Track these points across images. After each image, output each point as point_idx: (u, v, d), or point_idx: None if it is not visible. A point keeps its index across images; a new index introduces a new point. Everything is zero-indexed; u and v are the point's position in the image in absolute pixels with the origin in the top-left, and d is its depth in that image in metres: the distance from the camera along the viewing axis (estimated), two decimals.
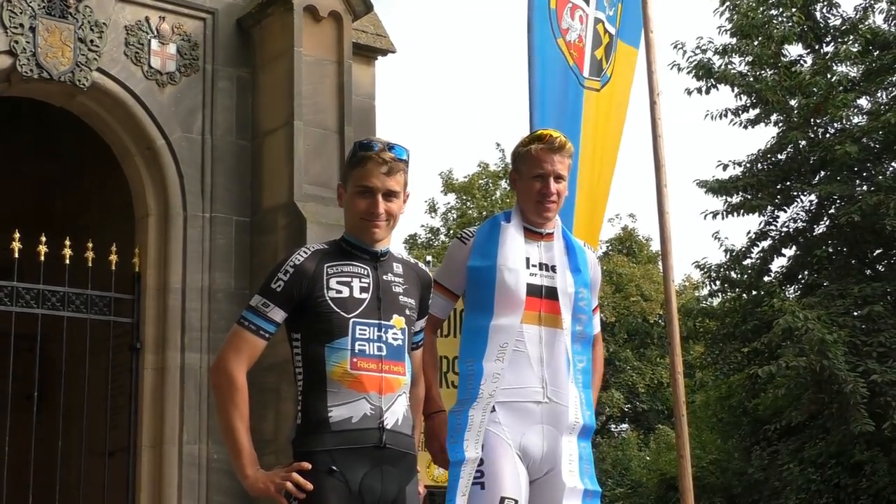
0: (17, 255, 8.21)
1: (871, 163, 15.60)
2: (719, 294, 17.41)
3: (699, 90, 16.16)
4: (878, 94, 15.93)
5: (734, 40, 16.27)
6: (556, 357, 3.78)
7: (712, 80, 16.01)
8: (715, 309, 17.73)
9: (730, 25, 16.30)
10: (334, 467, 3.24)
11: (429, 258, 17.94)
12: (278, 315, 3.37)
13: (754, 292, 16.31)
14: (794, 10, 16.07)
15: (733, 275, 16.60)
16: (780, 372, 14.34)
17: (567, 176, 3.91)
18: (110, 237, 8.81)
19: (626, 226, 29.08)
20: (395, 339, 3.39)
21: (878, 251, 15.78)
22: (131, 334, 8.72)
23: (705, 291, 19.24)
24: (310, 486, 3.22)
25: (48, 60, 8.34)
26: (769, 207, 16.21)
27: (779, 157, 16.24)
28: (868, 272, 15.43)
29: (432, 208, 29.14)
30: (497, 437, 3.69)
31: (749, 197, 16.00)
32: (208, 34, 9.05)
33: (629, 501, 21.00)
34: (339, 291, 3.36)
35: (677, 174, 36.05)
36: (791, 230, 16.32)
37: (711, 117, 16.41)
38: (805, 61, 16.57)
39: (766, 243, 16.45)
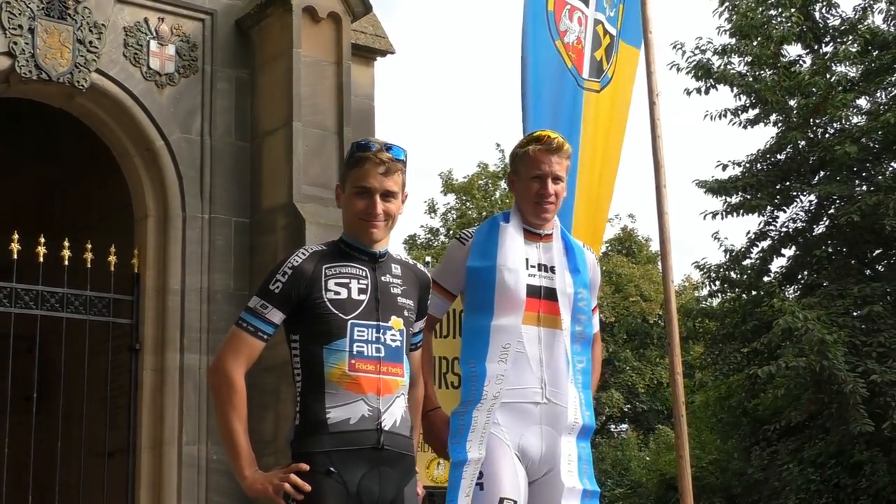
0: (16, 256, 8.21)
1: (870, 163, 15.61)
2: (719, 294, 17.42)
3: (698, 90, 16.18)
4: (878, 94, 15.94)
5: (733, 40, 16.28)
6: (555, 358, 3.77)
7: (711, 80, 16.02)
8: (714, 309, 17.74)
9: (729, 26, 16.31)
10: (332, 468, 3.24)
11: (428, 259, 17.94)
12: (276, 316, 3.37)
13: (754, 292, 16.32)
14: (793, 10, 16.07)
15: (733, 275, 16.61)
16: (779, 372, 14.34)
17: (565, 177, 3.91)
18: (109, 238, 8.81)
19: (625, 226, 29.10)
20: (394, 341, 3.39)
21: (877, 251, 15.79)
22: (130, 335, 8.72)
23: (705, 292, 19.26)
24: (308, 487, 3.22)
25: (47, 62, 8.34)
26: (769, 207, 16.22)
27: (778, 157, 16.25)
28: (868, 272, 15.44)
29: (432, 209, 29.15)
30: (496, 438, 3.69)
31: (748, 197, 16.01)
32: (207, 35, 9.05)
33: (629, 502, 21.00)
34: (337, 293, 3.36)
35: (677, 174, 36.08)
36: (790, 230, 16.33)
37: (711, 117, 16.44)
38: (804, 61, 16.59)
39: (765, 243, 16.46)
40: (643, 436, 26.12)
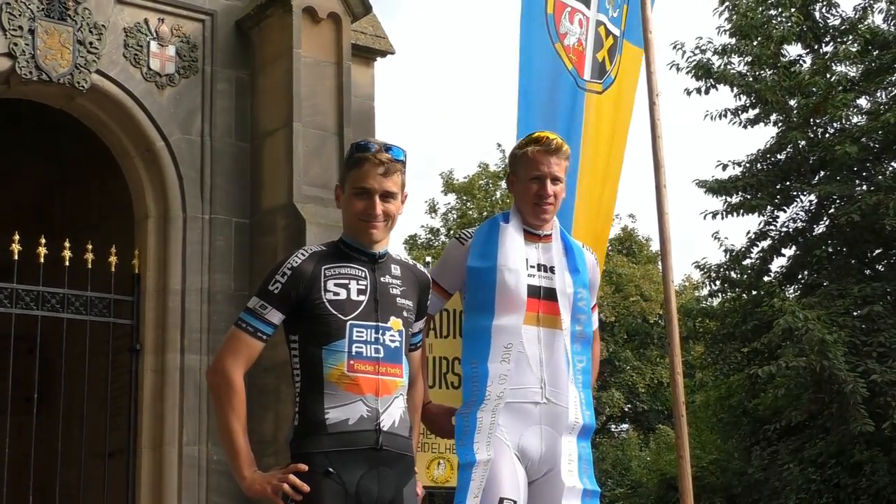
0: (16, 256, 8.22)
1: (870, 162, 15.61)
2: (719, 294, 17.43)
3: (698, 90, 16.18)
4: (878, 94, 15.94)
5: (733, 40, 16.28)
6: (555, 357, 3.78)
7: (711, 80, 16.03)
8: (715, 309, 17.75)
9: (729, 25, 16.31)
10: (331, 469, 3.25)
11: (428, 259, 17.94)
12: (276, 317, 3.38)
13: (754, 292, 16.32)
14: (793, 10, 16.07)
15: (733, 275, 16.62)
16: (779, 372, 14.34)
17: (564, 178, 3.91)
18: (110, 239, 8.81)
19: (625, 226, 29.09)
20: (393, 341, 3.39)
21: (877, 251, 15.79)
22: (131, 336, 8.72)
23: (705, 291, 19.26)
24: (306, 487, 3.22)
25: (47, 62, 8.35)
26: (769, 207, 16.22)
27: (778, 157, 16.25)
28: (868, 272, 15.44)
29: (432, 209, 29.15)
30: (495, 438, 3.69)
31: (748, 197, 16.02)
32: (207, 36, 9.05)
33: (629, 501, 21.00)
34: (336, 293, 3.37)
35: (677, 174, 36.08)
36: (791, 230, 16.33)
37: (711, 117, 16.45)
38: (804, 61, 16.59)
39: (765, 243, 16.46)
40: (644, 436, 26.12)
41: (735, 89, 16.06)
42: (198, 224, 8.77)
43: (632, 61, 6.63)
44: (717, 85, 16.08)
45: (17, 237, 8.25)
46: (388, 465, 3.32)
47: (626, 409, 27.43)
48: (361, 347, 3.34)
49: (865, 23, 16.12)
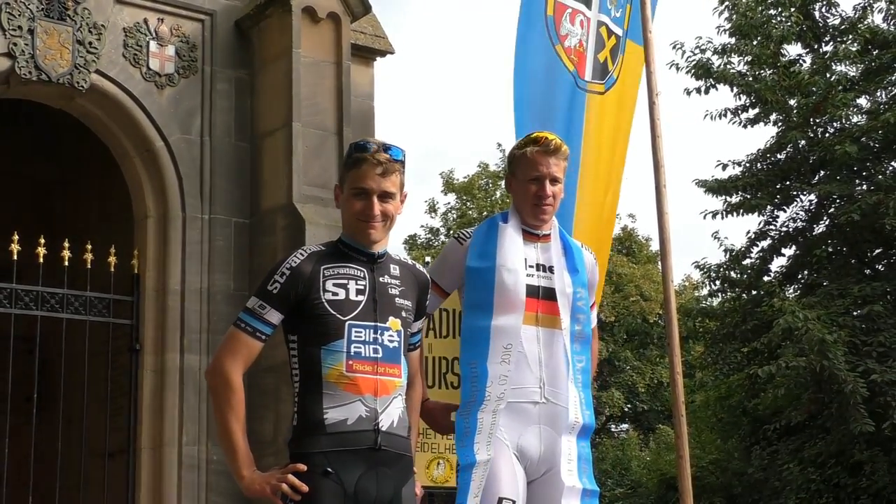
0: (15, 256, 8.21)
1: (870, 162, 15.61)
2: (719, 294, 17.43)
3: (698, 90, 16.18)
4: (878, 94, 15.94)
5: (733, 40, 16.29)
6: (554, 357, 3.78)
7: (711, 79, 16.03)
8: (715, 309, 17.76)
9: (729, 25, 16.31)
10: (330, 469, 3.25)
11: (428, 259, 17.95)
12: (274, 317, 3.37)
13: (754, 292, 16.32)
14: (792, 9, 16.07)
15: (733, 275, 16.62)
16: (779, 372, 14.35)
17: (563, 178, 3.91)
18: (109, 239, 8.81)
19: (625, 226, 29.10)
20: (391, 342, 3.39)
21: (877, 251, 15.79)
22: (130, 336, 8.72)
23: (705, 291, 19.26)
24: (305, 487, 3.22)
25: (47, 62, 8.34)
26: (769, 207, 16.22)
27: (778, 156, 16.25)
28: (868, 272, 15.44)
29: (432, 208, 29.16)
30: (495, 438, 3.69)
31: (748, 196, 16.02)
32: (207, 36, 9.05)
33: (629, 501, 20.99)
34: (335, 294, 3.37)
35: (677, 174, 36.08)
36: (790, 230, 16.33)
37: (711, 117, 16.45)
38: (804, 61, 16.59)
39: (765, 243, 16.46)
40: (643, 435, 26.12)
41: (735, 89, 16.07)
42: (197, 224, 8.77)
43: (635, 60, 6.62)
44: (717, 85, 16.08)
45: (16, 237, 8.25)
46: (387, 465, 3.32)
47: (626, 409, 27.44)
48: (360, 347, 3.34)
49: (865, 22, 16.12)
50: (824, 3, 16.44)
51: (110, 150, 9.11)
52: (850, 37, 16.12)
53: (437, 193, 43.56)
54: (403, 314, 3.45)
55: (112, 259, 8.61)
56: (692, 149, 43.18)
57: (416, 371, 3.65)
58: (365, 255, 3.45)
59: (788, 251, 16.47)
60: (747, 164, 16.31)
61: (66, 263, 8.39)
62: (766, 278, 16.49)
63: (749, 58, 16.10)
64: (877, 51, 15.89)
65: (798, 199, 16.27)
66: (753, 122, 16.43)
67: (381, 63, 10.03)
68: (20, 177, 11.26)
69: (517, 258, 3.81)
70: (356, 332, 3.34)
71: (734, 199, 16.12)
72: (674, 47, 16.13)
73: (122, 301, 8.75)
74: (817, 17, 16.53)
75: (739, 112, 16.33)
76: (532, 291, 3.79)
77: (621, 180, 6.63)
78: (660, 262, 7.08)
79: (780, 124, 16.20)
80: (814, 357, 13.31)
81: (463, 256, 3.86)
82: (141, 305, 8.71)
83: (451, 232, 27.43)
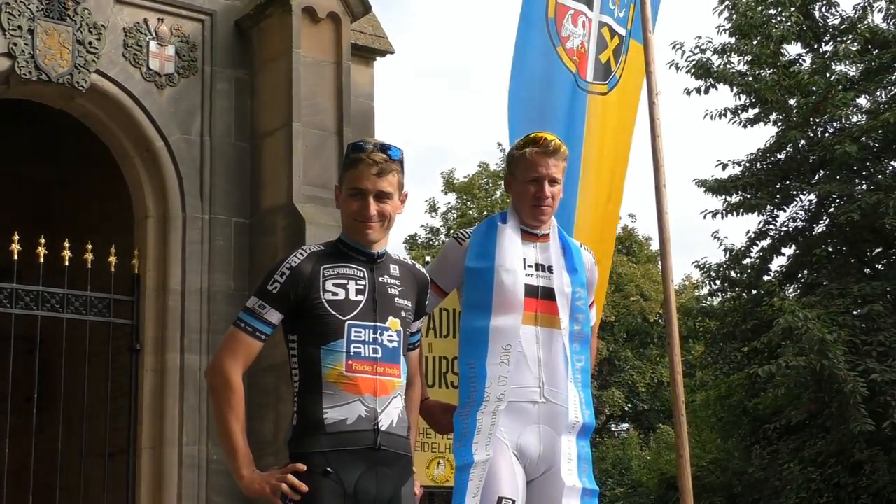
0: (16, 256, 8.22)
1: (870, 162, 15.61)
2: (719, 293, 17.43)
3: (698, 90, 16.18)
4: (878, 93, 15.93)
5: (733, 40, 16.28)
6: (553, 357, 3.78)
7: (711, 79, 16.03)
8: (715, 308, 17.75)
9: (729, 25, 16.31)
10: (329, 469, 3.25)
11: (428, 258, 17.94)
12: (274, 317, 3.38)
13: (754, 292, 16.32)
14: (792, 9, 16.07)
15: (733, 274, 16.62)
16: (779, 371, 14.35)
17: (562, 179, 3.91)
18: (109, 239, 8.82)
19: (625, 225, 29.10)
20: (391, 342, 3.39)
21: (877, 250, 15.79)
22: (131, 336, 8.73)
23: (705, 291, 19.25)
24: (305, 487, 3.22)
25: (47, 62, 8.35)
26: (768, 207, 16.22)
27: (778, 156, 16.25)
28: (867, 271, 15.44)
29: (432, 208, 29.17)
30: (494, 438, 3.69)
31: (748, 196, 16.02)
32: (207, 36, 9.06)
33: (629, 501, 20.99)
34: (334, 293, 3.37)
35: (677, 174, 36.07)
36: (790, 229, 16.33)
37: (711, 116, 16.44)
38: (804, 60, 16.58)
39: (765, 243, 16.46)
40: (644, 435, 26.13)
41: (735, 89, 16.07)
42: (197, 224, 8.77)
43: (638, 60, 6.61)
44: (717, 84, 16.08)
45: (16, 237, 8.26)
46: (387, 465, 3.32)
47: (627, 409, 27.44)
48: (359, 347, 3.34)
49: (865, 22, 16.12)
50: (824, 2, 16.43)
51: (110, 150, 9.11)
52: (850, 36, 16.12)
53: (437, 193, 43.56)
54: (403, 314, 3.45)
55: (112, 259, 8.62)
56: (692, 149, 43.19)
57: (416, 371, 3.66)
58: (364, 255, 3.45)
59: (788, 251, 16.49)
60: (747, 164, 16.31)
61: (67, 263, 8.40)
62: (766, 278, 16.50)
63: (749, 57, 16.09)
64: (877, 50, 15.89)
65: (798, 199, 16.28)
66: (753, 121, 16.43)
67: (381, 63, 10.04)
68: (20, 177, 11.26)
69: (516, 258, 3.81)
70: (356, 332, 3.35)
71: (734, 198, 16.12)
72: (673, 47, 16.15)
73: (122, 301, 8.75)
74: (817, 17, 16.53)
75: (739, 112, 16.33)
76: (531, 291, 3.79)
77: (624, 180, 6.62)
78: (660, 262, 7.08)
79: (779, 124, 16.20)
80: (814, 356, 13.31)
81: (462, 256, 3.86)
82: (141, 305, 8.71)
83: (452, 231, 27.44)
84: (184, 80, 8.91)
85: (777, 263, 16.63)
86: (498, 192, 27.87)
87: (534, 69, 6.04)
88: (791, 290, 16.41)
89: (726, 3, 16.38)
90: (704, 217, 16.26)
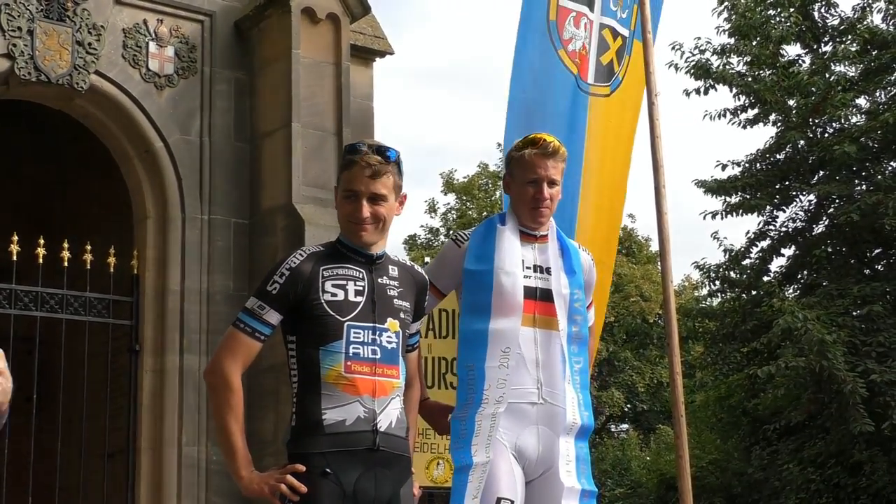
0: (15, 257, 8.22)
1: (869, 162, 15.61)
2: (718, 294, 17.43)
3: (697, 91, 16.18)
4: (877, 94, 15.94)
5: (732, 40, 16.29)
6: (551, 358, 3.78)
7: (710, 80, 16.02)
8: (714, 309, 17.75)
9: (728, 25, 16.31)
10: (328, 469, 3.25)
11: (427, 259, 17.95)
12: (273, 317, 3.38)
13: (753, 292, 16.32)
14: (791, 10, 16.07)
15: (732, 275, 16.62)
16: (779, 372, 14.35)
17: (561, 180, 3.90)
18: (109, 239, 8.82)
19: (625, 226, 29.07)
20: (390, 343, 3.39)
21: (877, 251, 15.79)
22: (130, 336, 8.73)
23: (704, 291, 19.26)
24: (304, 488, 3.22)
25: (46, 63, 8.35)
26: (768, 207, 16.22)
27: (777, 156, 16.25)
28: (867, 272, 15.44)
29: (432, 209, 29.17)
30: (493, 439, 3.69)
31: (748, 197, 16.02)
32: (206, 37, 9.06)
33: (629, 502, 20.99)
34: (334, 294, 3.37)
35: (676, 174, 36.07)
36: (790, 230, 16.33)
37: (710, 117, 16.44)
38: (803, 61, 16.59)
39: (765, 243, 16.46)
40: (643, 436, 26.13)
41: (734, 89, 16.07)
42: (197, 224, 8.77)
43: (641, 60, 6.61)
44: (717, 85, 16.08)
45: (15, 238, 8.26)
46: (385, 466, 3.32)
47: (626, 409, 27.43)
48: (358, 348, 3.34)
49: (864, 22, 16.12)
50: (823, 3, 16.44)
51: (110, 150, 9.11)
52: (850, 37, 16.12)
53: (437, 193, 43.56)
54: (402, 315, 3.45)
55: (111, 260, 8.62)
56: (692, 149, 43.21)
57: (415, 372, 3.66)
58: (363, 257, 3.45)
59: (788, 251, 16.49)
60: (746, 165, 16.31)
61: (66, 264, 8.40)
62: (765, 278, 16.50)
63: (748, 58, 16.10)
64: (876, 51, 15.89)
65: (797, 200, 16.28)
66: (753, 122, 16.43)
67: (380, 64, 10.05)
68: (20, 177, 11.26)
69: (515, 261, 3.80)
70: (355, 333, 3.35)
71: (734, 199, 16.12)
72: (673, 48, 16.15)
73: (121, 302, 8.76)
74: (816, 18, 16.54)
75: (739, 112, 16.33)
76: (529, 293, 3.78)
77: (627, 181, 6.62)
78: (659, 263, 7.07)
79: (779, 124, 16.20)
80: (813, 357, 13.31)
81: (460, 259, 3.86)
82: (140, 306, 8.71)
83: (451, 232, 27.44)
84: (183, 81, 8.92)
85: (776, 264, 16.66)
86: (497, 193, 27.86)
87: (535, 72, 6.03)
88: (790, 291, 16.41)
89: (725, 3, 16.38)
90: (704, 218, 16.28)
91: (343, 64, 9.00)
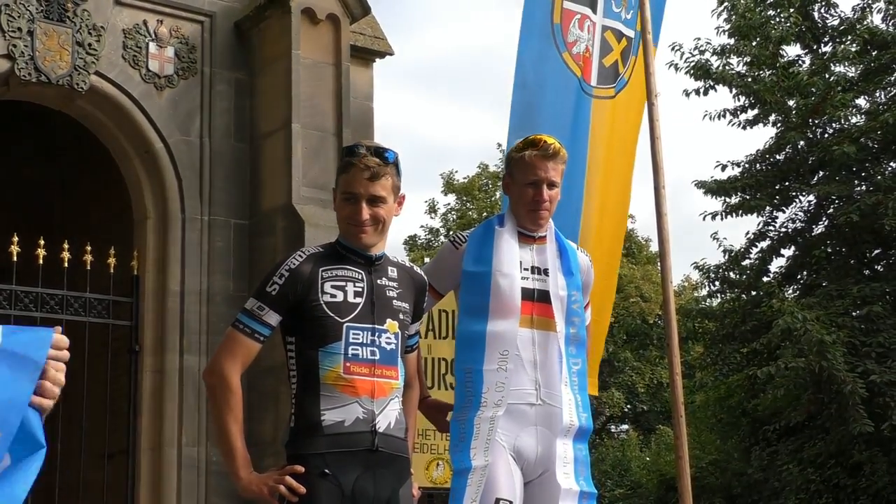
0: (15, 258, 8.22)
1: (869, 163, 15.62)
2: (718, 295, 17.43)
3: (697, 91, 16.18)
4: (877, 94, 15.95)
5: (732, 41, 16.29)
6: (549, 359, 3.78)
7: (710, 80, 16.03)
8: (714, 309, 17.75)
9: (728, 26, 16.31)
10: (327, 470, 3.25)
11: (427, 259, 17.95)
12: (273, 318, 3.38)
13: (753, 293, 16.33)
14: (791, 10, 16.08)
15: (732, 275, 16.62)
16: (779, 372, 14.36)
17: (560, 182, 3.90)
18: (109, 240, 8.82)
19: None
20: (389, 344, 3.39)
21: (876, 251, 15.80)
22: (130, 337, 8.73)
23: (704, 292, 19.26)
24: (303, 489, 3.22)
25: (46, 64, 8.35)
26: (768, 208, 16.22)
27: (777, 157, 16.26)
28: (867, 272, 15.45)
29: (432, 209, 29.18)
30: (492, 441, 3.69)
31: (748, 197, 16.02)
32: (206, 37, 9.06)
33: (628, 502, 21.00)
34: (333, 296, 3.37)
35: (676, 175, 36.07)
36: (790, 230, 16.34)
37: (710, 117, 16.44)
38: (803, 61, 16.60)
39: (764, 244, 16.47)
40: (643, 436, 26.13)
41: (734, 90, 16.07)
42: (197, 225, 8.77)
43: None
44: (716, 86, 16.08)
45: (15, 239, 8.26)
46: (384, 467, 3.32)
47: (626, 410, 27.43)
48: (357, 350, 3.34)
49: (864, 23, 16.13)
50: (823, 3, 16.44)
51: (110, 151, 9.12)
52: (849, 37, 16.12)
53: (437, 194, 43.57)
54: (401, 316, 3.46)
55: (111, 260, 8.62)
56: (691, 150, 43.20)
57: (414, 373, 3.66)
58: (362, 258, 3.46)
59: (787, 252, 16.50)
60: (746, 165, 16.32)
61: (66, 265, 8.40)
62: (765, 279, 16.50)
63: (748, 59, 16.11)
64: (875, 51, 15.89)
65: (797, 200, 16.29)
66: (752, 122, 16.44)
67: (380, 64, 10.04)
68: (20, 178, 11.26)
69: (513, 263, 3.80)
70: (354, 334, 3.35)
71: (733, 199, 16.13)
72: (672, 48, 16.15)
73: (121, 302, 8.76)
74: (816, 18, 16.54)
75: (738, 113, 16.34)
76: (527, 294, 3.78)
77: (631, 182, 6.62)
78: (659, 263, 7.07)
79: (779, 125, 16.21)
80: (813, 358, 13.32)
81: (458, 260, 3.85)
82: (140, 307, 8.72)
83: (451, 233, 27.44)
84: (183, 82, 8.92)
85: (776, 264, 16.66)
86: (498, 194, 27.87)
87: (538, 75, 6.03)
88: (790, 292, 16.42)
89: (725, 4, 16.39)
90: (704, 218, 16.28)
91: (343, 64, 9.01)
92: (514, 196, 3.91)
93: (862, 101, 16.21)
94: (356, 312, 3.37)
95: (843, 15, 16.46)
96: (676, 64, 16.11)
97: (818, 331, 13.16)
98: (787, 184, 16.11)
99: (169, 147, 8.80)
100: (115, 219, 9.65)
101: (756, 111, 16.28)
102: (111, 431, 8.61)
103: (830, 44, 16.49)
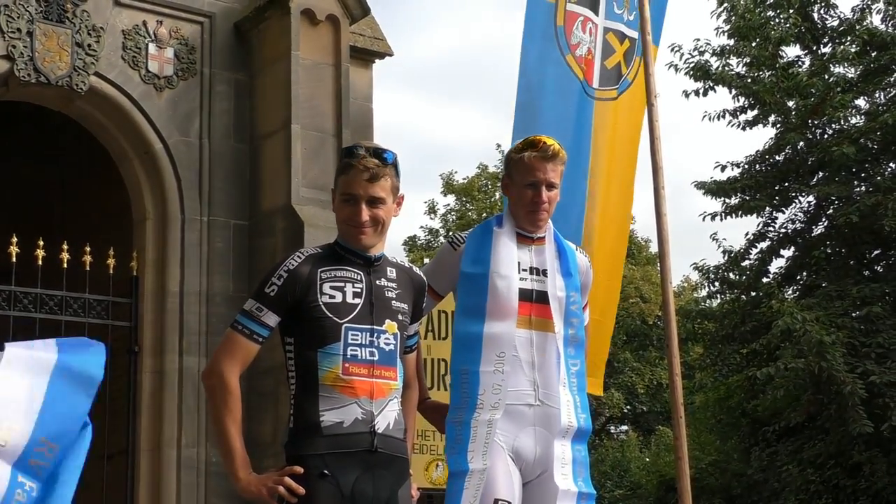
0: (14, 259, 8.21)
1: (869, 163, 15.62)
2: (718, 295, 17.42)
3: (697, 92, 16.17)
4: (876, 95, 15.95)
5: (732, 42, 16.29)
6: (547, 360, 3.77)
7: (710, 81, 16.02)
8: (713, 310, 17.75)
9: (727, 27, 16.31)
10: (326, 471, 3.25)
11: (427, 260, 17.95)
12: (272, 319, 3.38)
13: (753, 294, 16.32)
14: (791, 11, 16.08)
15: (732, 276, 16.62)
16: (778, 373, 14.35)
17: (559, 183, 3.89)
18: (108, 241, 8.82)
19: None
20: (388, 345, 3.40)
21: (876, 252, 15.80)
22: (129, 338, 8.73)
23: (704, 293, 19.25)
24: (302, 490, 3.23)
25: (46, 65, 8.35)
26: (767, 208, 16.22)
27: (777, 158, 16.26)
28: (866, 273, 15.45)
29: (432, 210, 29.18)
30: (490, 442, 3.68)
31: (747, 198, 16.02)
32: (206, 38, 9.06)
33: (628, 503, 20.99)
34: (332, 296, 3.37)
35: (676, 176, 36.07)
36: (789, 231, 16.34)
37: (710, 118, 16.44)
38: (803, 62, 16.59)
39: (764, 244, 16.46)
40: (643, 437, 26.12)
41: (733, 91, 16.07)
42: (196, 226, 8.77)
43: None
44: (716, 86, 16.08)
45: (15, 239, 8.26)
46: (383, 467, 3.33)
47: (626, 411, 27.42)
48: (356, 350, 3.34)
49: (864, 24, 16.12)
50: (823, 4, 16.44)
51: (109, 152, 9.11)
52: (849, 38, 16.12)
53: (436, 195, 43.59)
54: (400, 317, 3.46)
55: (111, 261, 8.62)
56: (691, 151, 43.22)
57: (413, 373, 3.66)
58: (361, 259, 3.46)
59: (787, 252, 16.49)
60: (746, 166, 16.31)
61: (65, 265, 8.40)
62: (764, 280, 16.50)
63: (747, 59, 16.11)
64: (875, 52, 15.89)
65: (797, 201, 16.29)
66: (752, 123, 16.43)
67: (379, 65, 10.04)
68: (20, 179, 11.26)
69: (510, 264, 3.79)
70: (352, 335, 3.35)
71: (733, 200, 16.12)
72: (672, 49, 16.14)
73: (120, 303, 8.75)
74: (816, 19, 16.54)
75: (738, 114, 16.34)
76: (525, 295, 3.78)
77: (633, 183, 6.62)
78: (659, 264, 7.07)
79: (778, 126, 16.21)
80: (812, 358, 13.31)
81: (457, 261, 3.85)
82: (140, 307, 8.72)
83: (450, 233, 27.43)
84: (183, 83, 8.92)
85: (776, 265, 16.65)
86: (497, 194, 27.86)
87: (541, 77, 6.04)
88: (790, 292, 16.41)
89: (725, 4, 16.39)
90: (703, 219, 16.28)
91: (342, 65, 9.01)
92: (513, 197, 3.91)
93: (861, 102, 16.21)
94: (355, 313, 3.37)
95: (842, 16, 16.47)
96: (676, 65, 16.13)
97: (818, 331, 13.16)
98: (786, 184, 16.11)
99: (168, 148, 8.80)
100: (115, 219, 9.65)
101: (755, 112, 16.28)
102: (110, 432, 8.59)
103: (830, 45, 16.49)
